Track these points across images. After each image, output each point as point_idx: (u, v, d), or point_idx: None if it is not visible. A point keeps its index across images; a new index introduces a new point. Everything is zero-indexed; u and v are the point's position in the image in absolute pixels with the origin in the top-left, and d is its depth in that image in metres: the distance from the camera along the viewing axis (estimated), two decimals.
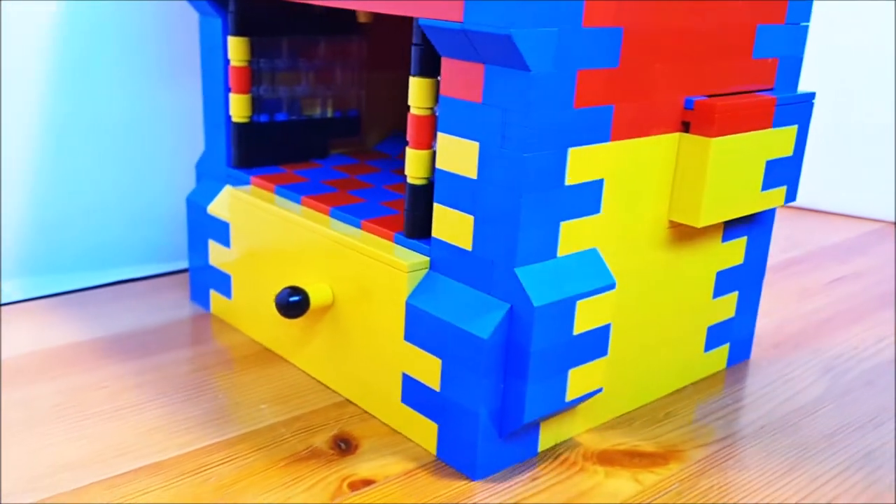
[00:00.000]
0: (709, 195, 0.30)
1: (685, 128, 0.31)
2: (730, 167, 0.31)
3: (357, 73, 0.44)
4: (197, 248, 0.41)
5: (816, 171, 0.65)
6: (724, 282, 0.36)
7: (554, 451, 0.31)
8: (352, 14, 0.42)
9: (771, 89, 0.35)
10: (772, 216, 0.37)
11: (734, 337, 0.38)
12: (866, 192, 0.64)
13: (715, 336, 0.37)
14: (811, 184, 0.65)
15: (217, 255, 0.40)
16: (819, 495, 0.29)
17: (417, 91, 0.29)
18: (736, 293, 0.37)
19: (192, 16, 0.44)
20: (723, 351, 0.38)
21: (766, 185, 0.33)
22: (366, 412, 0.33)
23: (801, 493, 0.29)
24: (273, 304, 0.36)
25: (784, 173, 0.34)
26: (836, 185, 0.65)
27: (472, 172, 0.27)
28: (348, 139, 0.44)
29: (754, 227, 0.36)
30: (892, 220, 0.64)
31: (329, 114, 0.42)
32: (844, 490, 0.29)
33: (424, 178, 0.30)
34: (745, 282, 0.37)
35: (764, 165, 0.33)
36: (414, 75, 0.29)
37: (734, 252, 0.36)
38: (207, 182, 0.41)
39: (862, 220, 0.64)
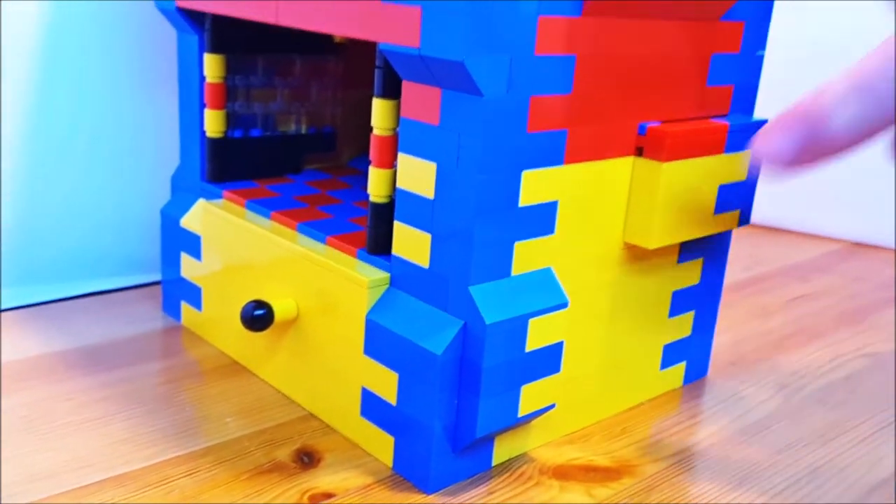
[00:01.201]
0: (660, 218, 0.31)
1: (638, 152, 0.32)
2: (681, 191, 0.32)
3: (332, 91, 0.45)
4: (169, 260, 0.42)
5: (779, 190, 0.67)
6: (680, 301, 0.37)
7: (510, 466, 0.32)
8: (327, 34, 0.43)
9: (725, 115, 0.36)
10: (728, 238, 0.38)
11: (690, 355, 0.39)
12: (828, 212, 0.66)
13: (671, 354, 0.38)
14: (774, 203, 0.67)
15: (188, 267, 0.40)
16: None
17: (380, 112, 0.30)
18: (692, 312, 0.38)
19: (172, 30, 0.44)
20: (679, 369, 0.39)
21: (719, 208, 0.34)
22: (329, 426, 0.34)
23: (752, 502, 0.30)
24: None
25: (737, 197, 0.35)
26: (799, 204, 0.67)
27: (429, 192, 0.28)
28: (323, 155, 0.45)
29: (710, 248, 0.38)
30: (853, 239, 0.65)
31: (303, 130, 0.43)
32: None
33: (386, 196, 0.31)
34: (701, 301, 0.38)
35: (716, 190, 0.34)
36: (377, 97, 0.30)
37: (690, 272, 0.37)
38: (182, 195, 0.42)
39: (824, 239, 0.66)
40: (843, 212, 0.65)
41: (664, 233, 0.32)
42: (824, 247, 0.64)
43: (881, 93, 0.23)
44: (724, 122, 0.34)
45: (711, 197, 0.34)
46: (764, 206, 0.68)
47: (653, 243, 0.32)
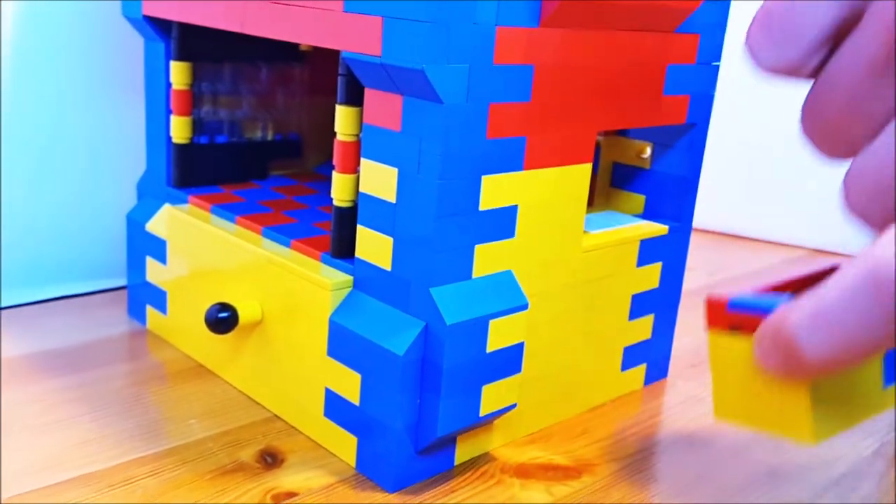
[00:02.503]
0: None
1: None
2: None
3: (298, 98, 0.45)
4: (135, 264, 0.42)
5: (741, 199, 0.68)
6: (640, 305, 0.38)
7: (472, 465, 0.32)
8: (293, 42, 0.43)
9: (682, 124, 0.37)
10: (686, 242, 0.40)
11: (651, 357, 0.40)
12: (789, 220, 0.67)
13: (631, 356, 0.39)
14: (736, 211, 0.68)
15: (154, 271, 0.40)
16: None
17: (343, 119, 0.31)
18: (652, 315, 0.39)
19: (139, 37, 0.45)
20: (640, 370, 0.40)
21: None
22: (293, 427, 0.34)
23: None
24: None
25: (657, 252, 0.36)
26: (761, 212, 0.68)
27: (391, 196, 0.29)
28: (289, 161, 0.45)
29: (669, 252, 0.39)
30: (813, 246, 0.67)
31: (270, 137, 0.44)
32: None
33: (349, 200, 0.31)
34: (660, 305, 0.39)
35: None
36: (340, 104, 0.31)
37: (649, 276, 0.38)
38: (148, 201, 0.42)
39: (785, 246, 0.67)
40: (803, 220, 0.67)
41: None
42: (785, 254, 0.66)
43: (850, 325, 0.22)
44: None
45: None
46: (727, 215, 0.70)
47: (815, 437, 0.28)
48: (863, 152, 0.25)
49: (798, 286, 0.33)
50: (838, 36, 0.25)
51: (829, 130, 0.27)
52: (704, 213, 0.69)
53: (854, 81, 0.25)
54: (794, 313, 0.24)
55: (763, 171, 0.68)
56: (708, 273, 0.59)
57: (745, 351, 0.29)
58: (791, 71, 0.26)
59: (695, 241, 0.68)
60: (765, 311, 0.28)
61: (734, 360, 0.30)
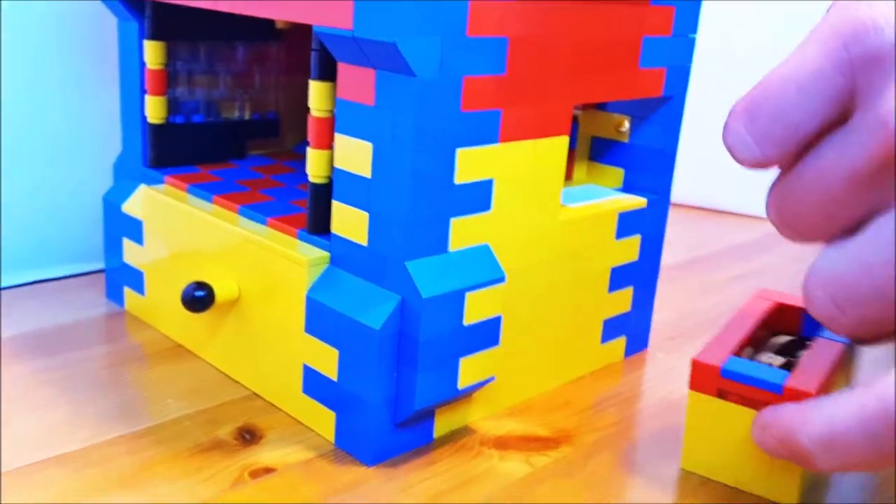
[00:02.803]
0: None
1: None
2: None
3: (275, 77, 0.45)
4: (112, 246, 0.42)
5: (721, 173, 0.69)
6: (619, 277, 0.38)
7: (451, 438, 0.33)
8: (269, 20, 0.43)
9: (659, 97, 0.37)
10: (664, 215, 0.40)
11: (630, 330, 0.40)
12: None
13: (611, 329, 0.39)
14: (720, 187, 0.69)
15: (131, 252, 0.40)
16: (696, 475, 0.31)
17: (316, 94, 0.31)
18: (631, 288, 0.39)
19: (112, 17, 0.44)
20: (619, 343, 0.40)
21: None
22: (272, 404, 0.34)
23: (680, 472, 0.31)
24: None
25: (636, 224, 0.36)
26: (745, 187, 0.68)
27: (366, 171, 0.29)
28: (267, 140, 0.45)
29: (647, 225, 0.39)
30: None
31: (247, 116, 0.44)
32: None
33: (325, 176, 0.31)
34: (639, 278, 0.40)
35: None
36: (313, 79, 0.30)
37: (628, 249, 0.38)
38: (124, 181, 0.42)
39: (766, 220, 0.68)
40: None
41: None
42: (768, 228, 0.66)
43: (862, 451, 0.23)
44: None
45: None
46: (707, 189, 0.70)
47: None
48: (839, 248, 0.25)
49: (768, 326, 0.34)
50: (821, 134, 0.24)
51: (798, 221, 0.26)
52: (685, 187, 0.69)
53: (833, 187, 0.24)
54: (806, 428, 0.25)
55: None
56: (688, 248, 0.59)
57: (731, 417, 0.30)
58: (768, 166, 0.25)
59: (675, 216, 0.68)
60: (761, 384, 0.29)
61: (717, 422, 0.30)
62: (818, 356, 0.30)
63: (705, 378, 0.30)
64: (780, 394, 0.28)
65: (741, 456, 0.29)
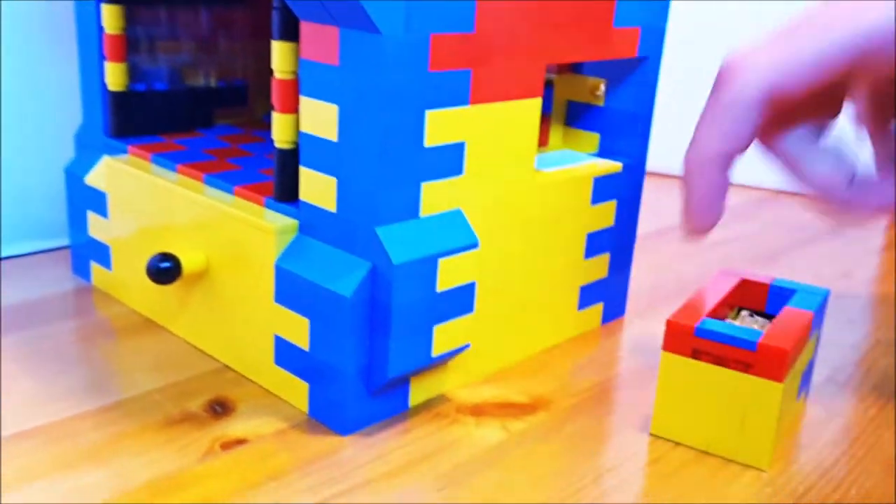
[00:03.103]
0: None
1: (745, 368, 0.29)
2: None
3: (242, 43, 0.44)
4: (77, 220, 0.41)
5: None
6: (596, 243, 0.38)
7: (427, 406, 0.32)
8: None
9: (633, 58, 0.37)
10: (640, 181, 0.39)
11: (608, 296, 0.40)
12: (751, 163, 0.68)
13: (588, 295, 0.39)
14: None
15: (96, 226, 0.39)
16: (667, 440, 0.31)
17: (279, 55, 0.30)
18: (608, 254, 0.39)
19: None
20: (596, 309, 0.40)
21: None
22: (243, 376, 0.33)
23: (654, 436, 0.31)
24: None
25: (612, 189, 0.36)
26: None
27: (332, 135, 0.28)
28: (235, 109, 0.44)
29: (623, 190, 0.38)
30: (774, 188, 0.67)
31: (213, 83, 0.42)
32: None
33: (291, 141, 0.30)
34: (616, 243, 0.39)
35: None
36: (275, 39, 0.29)
37: (604, 215, 0.38)
38: (87, 152, 0.40)
39: (746, 188, 0.68)
40: (763, 162, 0.67)
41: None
42: (746, 195, 0.66)
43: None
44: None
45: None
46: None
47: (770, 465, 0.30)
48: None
49: (736, 297, 0.34)
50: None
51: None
52: (660, 156, 0.69)
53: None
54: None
55: None
56: (665, 216, 0.59)
57: (704, 377, 0.30)
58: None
59: (652, 185, 0.68)
60: (735, 342, 0.29)
61: (689, 382, 0.30)
62: (789, 320, 0.30)
63: (679, 338, 0.29)
64: (755, 351, 0.28)
65: (712, 417, 0.29)
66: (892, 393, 0.35)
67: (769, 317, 0.34)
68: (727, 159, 0.29)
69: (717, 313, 0.32)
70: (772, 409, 0.28)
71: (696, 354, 0.29)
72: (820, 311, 0.32)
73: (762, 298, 0.34)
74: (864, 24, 0.27)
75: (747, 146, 0.29)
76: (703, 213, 0.28)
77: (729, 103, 0.28)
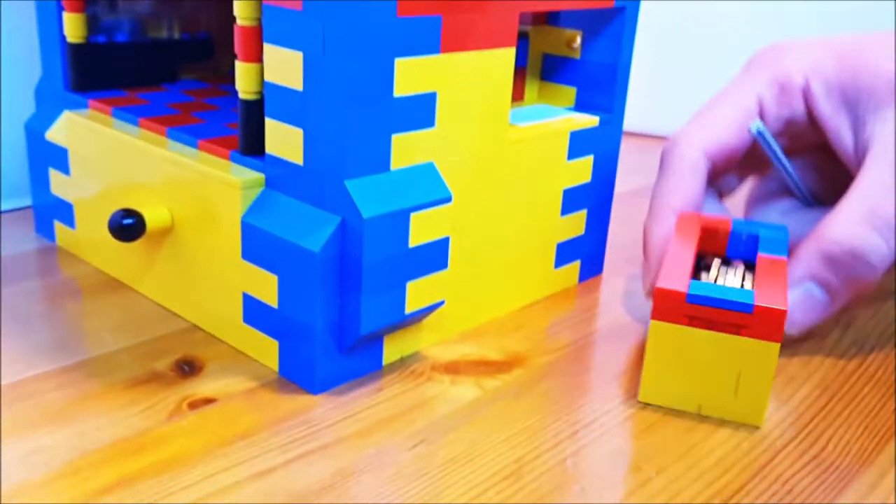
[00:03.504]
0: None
1: (735, 331, 0.28)
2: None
3: None
4: (38, 177, 0.39)
5: (686, 101, 0.68)
6: (572, 200, 0.37)
7: (401, 364, 0.32)
8: None
9: (611, 8, 0.36)
10: (618, 136, 0.39)
11: (585, 254, 0.39)
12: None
13: (565, 253, 0.38)
14: (679, 116, 0.68)
15: (58, 183, 0.38)
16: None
17: (241, 1, 0.28)
18: (584, 211, 0.38)
19: None
20: (574, 267, 0.39)
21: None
22: (212, 336, 0.33)
23: (634, 388, 0.31)
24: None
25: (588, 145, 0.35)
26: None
27: (297, 84, 0.27)
28: (200, 63, 0.43)
29: (600, 146, 0.38)
30: None
31: (176, 36, 0.41)
32: None
33: (256, 92, 0.29)
34: (593, 200, 0.39)
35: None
36: None
37: (580, 170, 0.37)
38: (46, 107, 0.39)
39: None
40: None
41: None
42: None
43: None
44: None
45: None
46: (669, 119, 0.69)
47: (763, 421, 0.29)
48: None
49: (705, 244, 0.34)
50: None
51: None
52: (638, 116, 0.68)
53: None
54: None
55: (710, 74, 0.67)
56: (643, 175, 0.58)
57: (698, 342, 0.29)
58: None
59: (629, 144, 0.67)
60: (731, 306, 0.28)
61: (682, 348, 0.29)
62: (769, 271, 0.30)
63: (671, 306, 0.28)
64: (751, 313, 0.27)
65: (706, 380, 0.29)
66: (872, 347, 0.35)
67: (747, 265, 0.33)
68: (676, 212, 0.34)
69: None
70: (768, 368, 0.28)
71: (689, 321, 0.28)
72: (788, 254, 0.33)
73: (723, 243, 0.34)
74: (759, 81, 0.36)
75: (701, 200, 0.35)
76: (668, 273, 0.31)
77: (674, 165, 0.35)
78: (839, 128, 0.34)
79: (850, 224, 0.32)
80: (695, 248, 0.32)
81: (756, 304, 0.27)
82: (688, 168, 0.34)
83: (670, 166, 0.35)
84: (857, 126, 0.34)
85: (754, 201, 0.40)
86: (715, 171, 0.36)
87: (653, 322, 0.29)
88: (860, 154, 0.34)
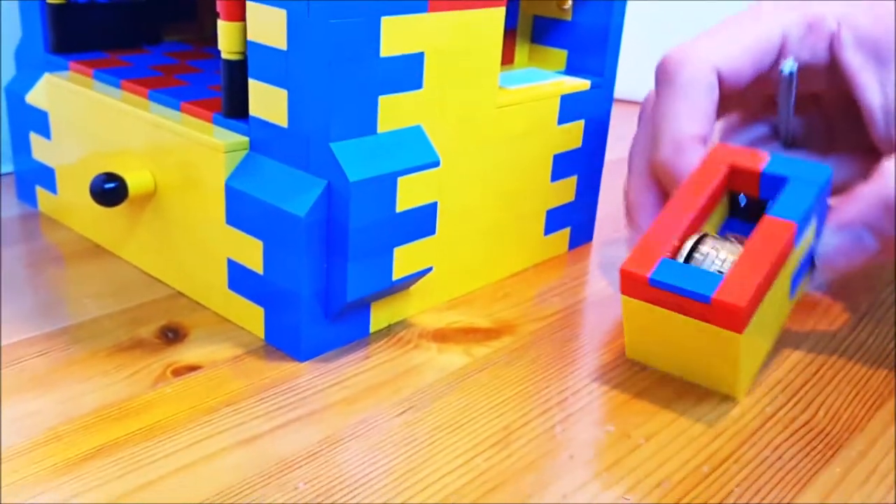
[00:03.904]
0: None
1: (701, 318, 0.27)
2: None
3: None
4: (19, 142, 0.38)
5: None
6: (562, 165, 0.37)
7: (388, 332, 0.31)
8: None
9: None
10: (609, 99, 0.38)
11: (575, 221, 0.39)
12: None
13: (555, 220, 0.38)
14: None
15: (39, 148, 0.37)
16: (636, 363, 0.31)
17: None
18: (575, 177, 0.38)
19: None
20: (563, 234, 0.39)
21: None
22: (197, 303, 0.32)
23: (623, 356, 0.31)
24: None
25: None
26: None
27: (281, 43, 0.26)
28: (184, 25, 0.42)
29: (591, 110, 0.37)
30: None
31: None
32: None
33: (239, 52, 0.29)
34: (584, 166, 0.38)
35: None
36: None
37: (571, 135, 0.37)
38: (27, 70, 0.38)
39: None
40: None
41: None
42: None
43: None
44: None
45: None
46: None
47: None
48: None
49: (689, 232, 0.30)
50: None
51: None
52: (629, 83, 0.67)
53: None
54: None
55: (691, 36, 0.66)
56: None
57: (666, 320, 0.28)
58: None
59: (620, 112, 0.66)
60: (688, 295, 0.26)
61: (652, 324, 0.29)
62: (763, 244, 0.27)
63: (634, 286, 0.27)
64: (709, 304, 0.26)
65: (679, 354, 0.29)
66: (863, 315, 0.35)
67: (764, 203, 0.30)
68: (702, 142, 0.30)
69: (703, 216, 0.29)
70: (732, 354, 0.27)
71: (655, 301, 0.27)
72: (819, 201, 0.30)
73: (755, 185, 0.31)
74: (787, 17, 0.32)
75: (712, 128, 0.31)
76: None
77: (686, 84, 0.30)
78: (867, 82, 0.32)
79: None
80: (704, 200, 0.29)
81: (714, 297, 0.26)
82: (704, 88, 0.30)
83: (680, 85, 0.30)
84: (887, 83, 0.32)
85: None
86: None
87: (623, 296, 0.28)
88: (887, 112, 0.32)
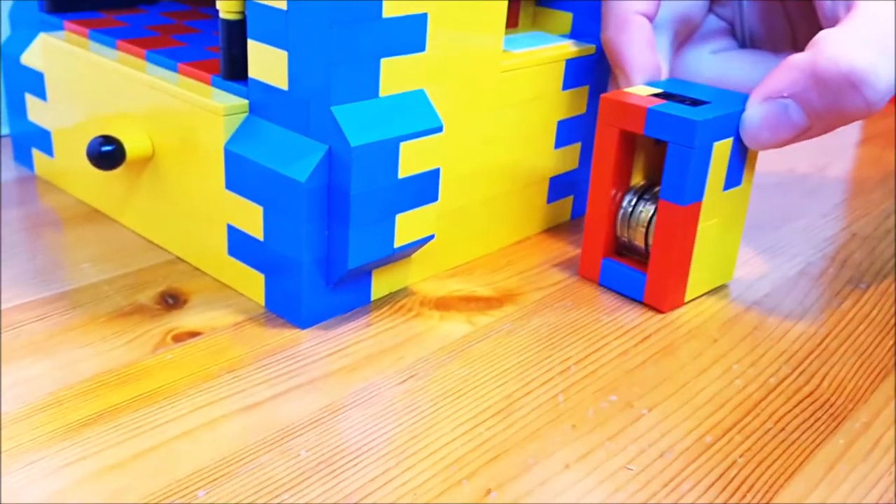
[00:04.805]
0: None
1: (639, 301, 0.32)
2: None
3: None
4: (15, 104, 0.38)
5: None
6: (567, 132, 0.36)
7: (390, 299, 0.31)
8: None
9: None
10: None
11: (579, 189, 0.39)
12: None
13: (558, 187, 0.37)
14: None
15: (35, 110, 0.36)
16: (641, 325, 0.31)
17: None
18: (579, 144, 0.37)
19: None
20: (567, 202, 0.38)
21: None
22: (197, 269, 0.32)
23: (626, 325, 0.30)
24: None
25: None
26: None
27: (281, 2, 0.26)
28: None
29: (597, 75, 0.36)
30: None
31: None
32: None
33: (238, 11, 0.28)
34: (589, 133, 0.37)
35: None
36: None
37: (576, 101, 0.36)
38: (22, 30, 0.37)
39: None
40: None
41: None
42: None
43: None
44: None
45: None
46: None
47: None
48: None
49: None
50: None
51: None
52: None
53: None
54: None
55: None
56: None
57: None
58: None
59: None
60: (624, 292, 0.33)
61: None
62: (666, 243, 0.31)
63: (589, 275, 0.34)
64: (642, 302, 0.32)
65: None
66: (867, 286, 0.35)
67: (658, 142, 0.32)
68: (646, 18, 0.32)
69: (624, 183, 0.32)
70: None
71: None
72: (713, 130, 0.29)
73: (644, 131, 0.31)
74: None
75: (657, 5, 0.32)
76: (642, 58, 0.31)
77: None
78: None
79: (855, 44, 0.27)
80: (614, 179, 0.32)
81: (644, 300, 0.32)
82: None
83: None
84: None
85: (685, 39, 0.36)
86: None
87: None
88: None
